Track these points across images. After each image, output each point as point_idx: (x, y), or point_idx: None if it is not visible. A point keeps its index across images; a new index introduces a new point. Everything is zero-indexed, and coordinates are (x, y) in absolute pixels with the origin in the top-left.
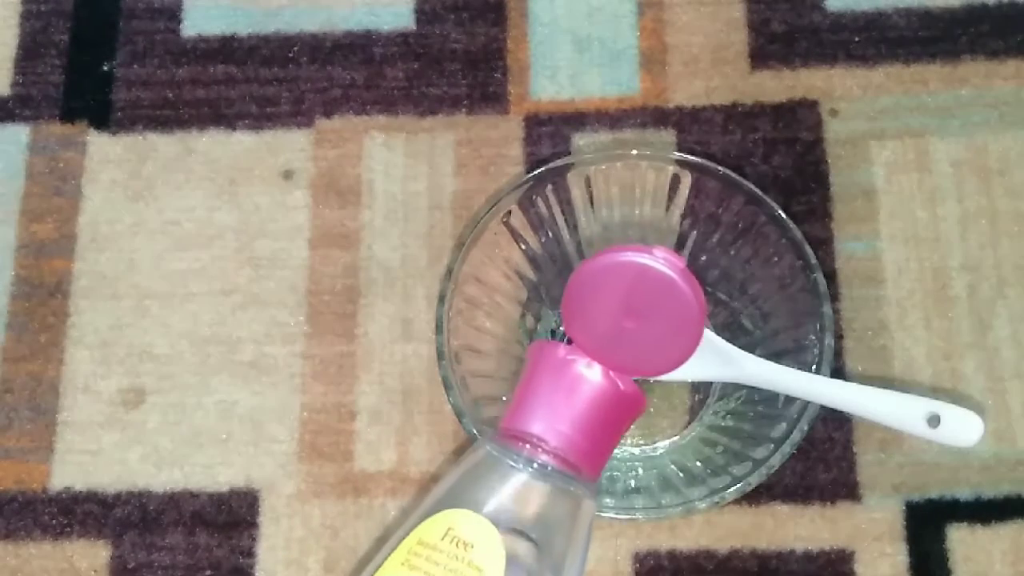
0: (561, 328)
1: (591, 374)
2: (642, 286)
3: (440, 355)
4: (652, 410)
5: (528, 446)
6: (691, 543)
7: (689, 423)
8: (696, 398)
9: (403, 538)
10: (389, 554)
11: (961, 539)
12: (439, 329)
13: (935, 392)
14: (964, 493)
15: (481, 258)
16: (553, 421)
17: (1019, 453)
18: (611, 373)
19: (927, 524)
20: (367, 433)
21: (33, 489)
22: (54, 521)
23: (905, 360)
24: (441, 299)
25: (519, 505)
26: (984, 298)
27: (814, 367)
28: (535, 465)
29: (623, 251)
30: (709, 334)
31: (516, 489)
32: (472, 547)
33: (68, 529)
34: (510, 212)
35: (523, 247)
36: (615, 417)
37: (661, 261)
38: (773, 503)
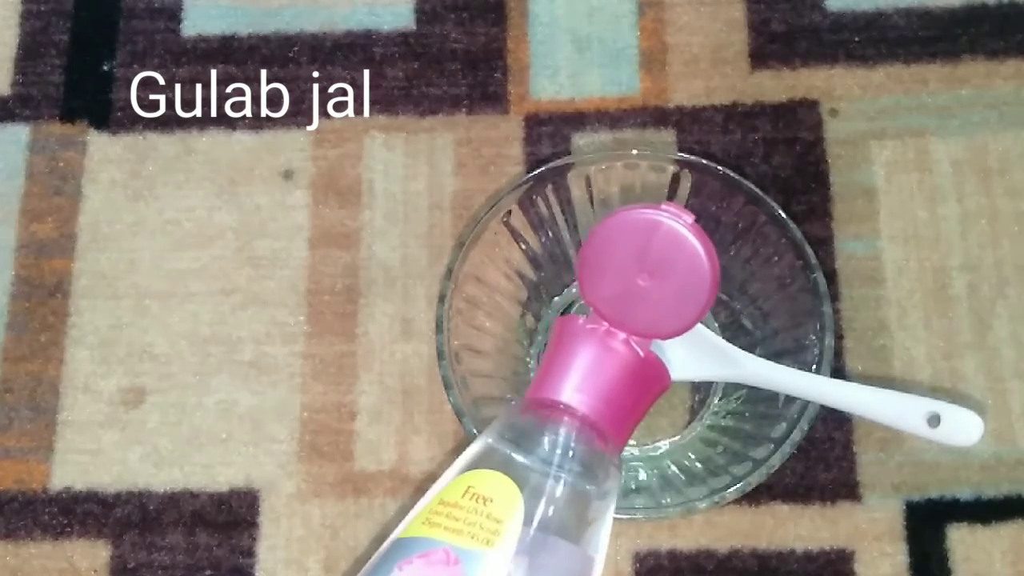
0: (577, 304)
1: (611, 340)
2: (653, 241)
3: (440, 355)
4: (652, 410)
5: (554, 413)
6: (691, 543)
7: (689, 423)
8: (696, 398)
9: (426, 504)
10: (413, 518)
11: (961, 539)
12: (439, 329)
13: (935, 392)
14: (964, 493)
15: (481, 258)
16: (576, 388)
17: (1019, 453)
18: (632, 340)
19: (927, 524)
20: (367, 433)
21: (33, 489)
22: (54, 521)
23: (905, 360)
24: (441, 299)
25: (544, 473)
26: (984, 298)
27: (814, 367)
28: (561, 433)
29: (633, 209)
30: (709, 334)
31: (542, 458)
32: (491, 501)
33: (68, 529)
34: (510, 212)
35: (523, 247)
36: (638, 385)
37: (670, 215)
38: (773, 503)
